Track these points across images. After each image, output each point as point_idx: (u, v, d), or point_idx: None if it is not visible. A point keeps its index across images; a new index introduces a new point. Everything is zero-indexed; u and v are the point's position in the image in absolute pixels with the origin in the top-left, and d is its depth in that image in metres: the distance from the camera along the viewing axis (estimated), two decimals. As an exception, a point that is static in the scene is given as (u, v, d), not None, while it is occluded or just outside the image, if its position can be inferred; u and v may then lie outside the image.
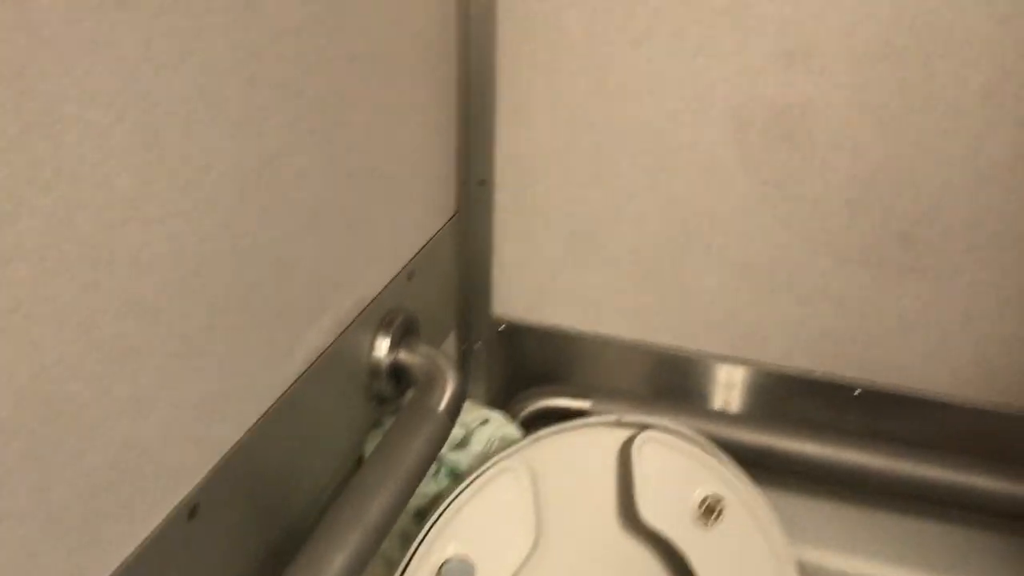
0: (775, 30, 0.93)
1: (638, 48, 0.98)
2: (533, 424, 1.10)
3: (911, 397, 1.04)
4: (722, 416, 1.07)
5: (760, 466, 1.04)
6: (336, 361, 0.82)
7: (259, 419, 0.71)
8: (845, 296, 1.02)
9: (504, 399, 1.17)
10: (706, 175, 1.01)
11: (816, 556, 1.01)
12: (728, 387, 1.11)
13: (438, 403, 0.85)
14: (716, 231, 1.03)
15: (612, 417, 0.93)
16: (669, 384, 1.14)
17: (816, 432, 1.01)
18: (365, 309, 0.87)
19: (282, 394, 0.74)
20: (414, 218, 0.99)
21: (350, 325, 0.84)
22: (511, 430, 0.98)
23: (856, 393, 1.05)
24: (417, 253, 1.00)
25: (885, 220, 0.98)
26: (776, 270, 1.03)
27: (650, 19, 0.97)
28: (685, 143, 1.01)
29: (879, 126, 0.94)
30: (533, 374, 1.18)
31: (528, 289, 1.14)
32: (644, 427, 0.92)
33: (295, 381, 0.76)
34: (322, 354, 0.79)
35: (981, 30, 0.87)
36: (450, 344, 1.19)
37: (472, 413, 0.99)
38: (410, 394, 0.90)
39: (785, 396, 1.09)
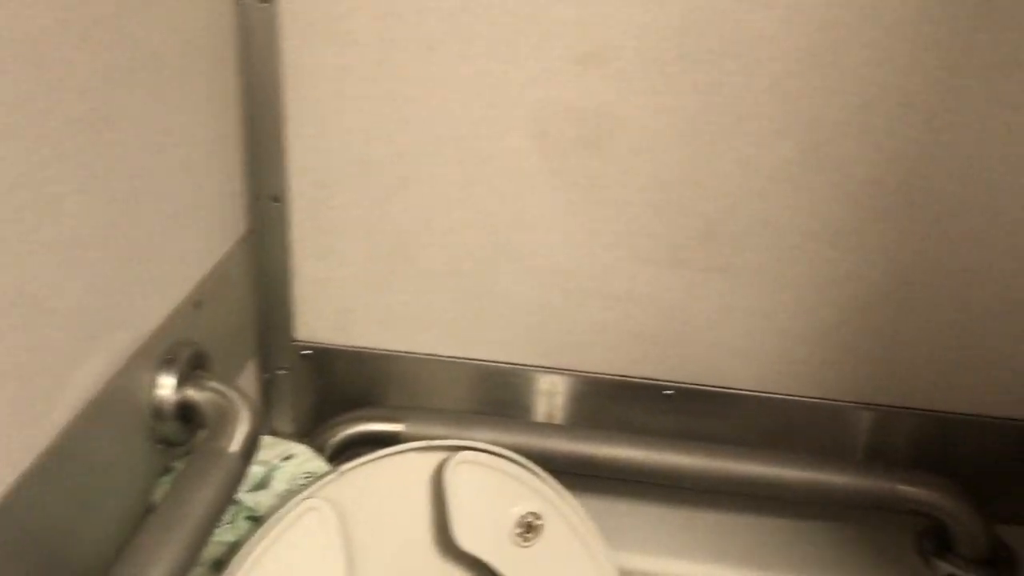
0: (571, 34, 0.92)
1: (433, 53, 0.94)
2: (346, 453, 1.03)
3: (721, 394, 1.06)
4: (542, 427, 1.05)
5: (583, 475, 1.03)
6: (111, 405, 0.73)
7: (17, 480, 0.61)
8: (653, 298, 1.02)
9: (314, 429, 1.09)
10: (512, 183, 0.99)
11: (640, 561, 1.00)
12: (548, 397, 1.09)
13: (230, 443, 0.77)
14: (525, 240, 1.01)
15: (422, 442, 0.88)
16: (489, 399, 1.10)
17: (633, 437, 1.01)
18: (144, 345, 0.78)
19: (45, 449, 0.64)
20: (199, 241, 0.90)
21: (126, 364, 0.75)
22: (318, 464, 0.91)
23: (669, 394, 1.05)
24: (204, 279, 0.91)
25: (687, 221, 0.98)
26: (586, 276, 1.02)
27: (443, 23, 0.93)
28: (488, 151, 0.97)
29: (676, 128, 0.95)
30: (345, 399, 1.12)
31: (333, 310, 1.08)
32: (457, 449, 0.87)
33: (60, 432, 0.66)
34: (93, 399, 0.70)
35: (768, 31, 0.89)
36: (251, 374, 1.10)
37: (274, 449, 0.91)
38: (202, 435, 0.82)
39: (604, 402, 1.08)
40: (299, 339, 1.11)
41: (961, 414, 1.04)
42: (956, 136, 0.91)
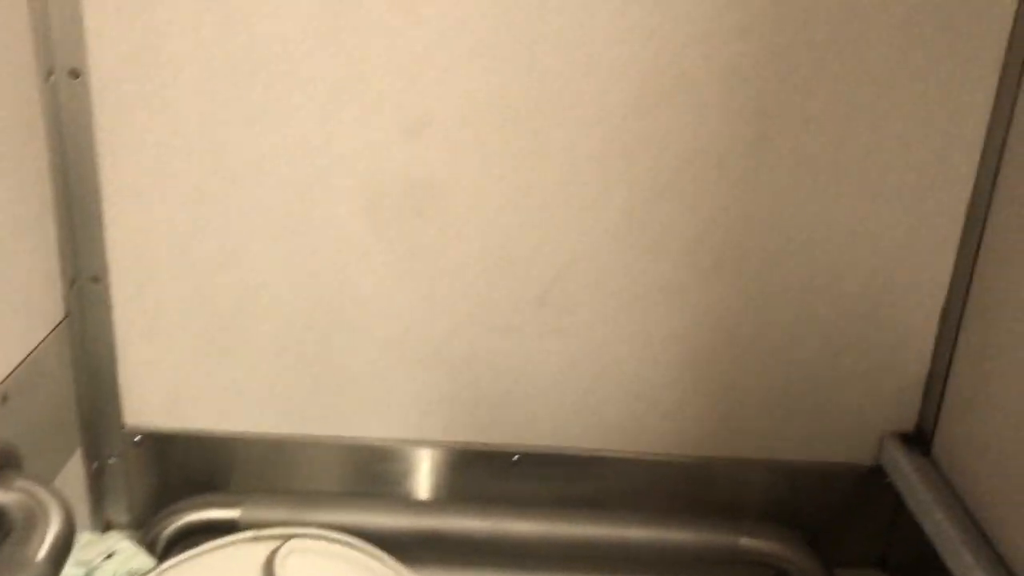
0: (397, 104, 0.92)
1: (255, 124, 0.92)
2: (184, 542, 0.98)
3: (568, 457, 1.05)
4: (386, 503, 1.02)
5: (431, 549, 1.00)
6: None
7: None
8: (492, 363, 1.02)
9: (152, 518, 1.03)
10: (343, 253, 0.97)
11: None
12: (394, 470, 1.06)
13: (37, 549, 0.72)
14: (360, 310, 0.99)
15: (251, 532, 0.84)
16: (333, 476, 1.06)
17: (478, 507, 0.99)
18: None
19: None
20: (7, 330, 0.85)
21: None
22: (142, 561, 0.85)
23: (516, 459, 1.04)
24: (14, 370, 0.86)
25: (522, 285, 0.99)
26: (423, 345, 1.01)
27: (265, 94, 0.91)
28: (318, 221, 0.96)
29: (505, 194, 0.95)
30: (188, 485, 1.06)
31: (163, 392, 1.03)
32: (288, 537, 0.84)
33: None
34: None
35: (589, 97, 0.91)
36: (78, 465, 1.03)
37: (95, 547, 0.86)
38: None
39: (454, 472, 1.06)
40: (129, 425, 1.05)
41: (802, 462, 1.07)
42: (769, 195, 0.95)
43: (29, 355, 0.89)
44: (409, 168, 0.95)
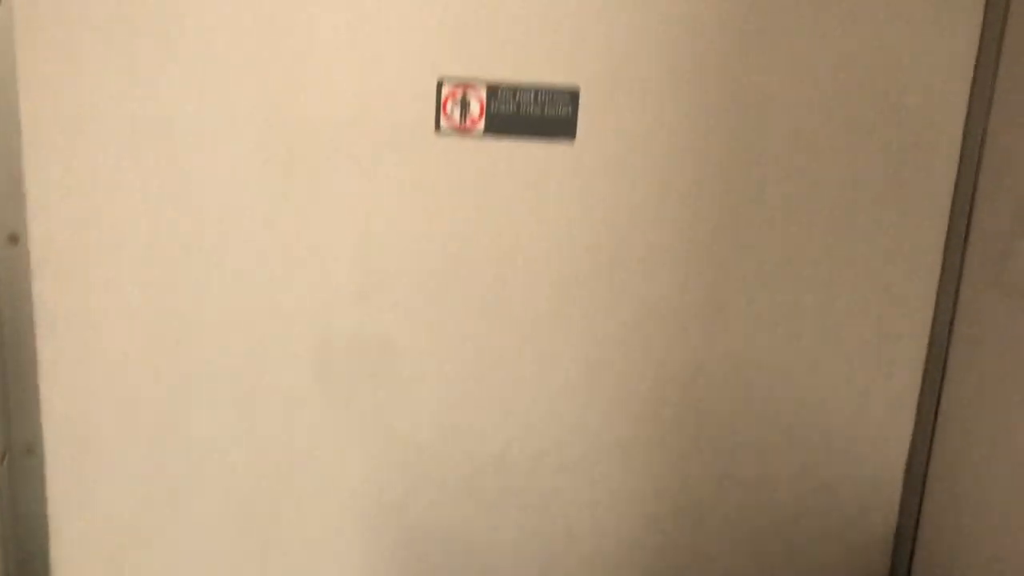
0: (349, 263, 0.90)
1: (201, 289, 0.90)
2: None
3: (530, 625, 1.00)
4: None
5: None
6: None
7: None
8: (449, 532, 0.97)
9: None
10: (292, 418, 0.93)
11: None
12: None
13: None
14: (310, 477, 0.94)
15: None
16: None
17: None
18: None
19: None
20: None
21: None
22: None
23: (476, 630, 0.98)
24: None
25: (480, 446, 0.95)
26: (376, 512, 0.96)
27: (211, 258, 0.89)
28: (266, 385, 0.92)
29: (460, 354, 0.93)
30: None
31: (101, 567, 0.96)
32: None
33: None
34: None
35: (542, 255, 0.90)
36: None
37: None
38: None
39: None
40: (62, 605, 0.98)
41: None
42: (727, 354, 0.94)
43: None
44: (361, 329, 0.92)
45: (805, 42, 0.88)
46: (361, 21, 0.87)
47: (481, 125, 0.90)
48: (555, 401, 0.94)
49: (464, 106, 0.90)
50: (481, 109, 0.90)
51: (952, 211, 0.92)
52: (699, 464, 0.96)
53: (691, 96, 0.89)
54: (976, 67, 0.90)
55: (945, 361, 0.94)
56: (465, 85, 0.89)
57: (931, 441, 0.96)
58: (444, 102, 0.89)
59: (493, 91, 0.90)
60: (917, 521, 0.97)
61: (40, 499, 0.95)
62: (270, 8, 0.85)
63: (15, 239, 0.89)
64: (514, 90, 0.90)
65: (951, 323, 0.93)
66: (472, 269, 0.91)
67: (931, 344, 0.94)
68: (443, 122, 0.90)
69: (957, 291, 0.93)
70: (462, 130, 0.90)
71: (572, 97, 0.90)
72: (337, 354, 0.92)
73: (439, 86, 0.89)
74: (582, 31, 0.88)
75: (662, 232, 0.91)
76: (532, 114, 0.90)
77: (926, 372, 0.95)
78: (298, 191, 0.89)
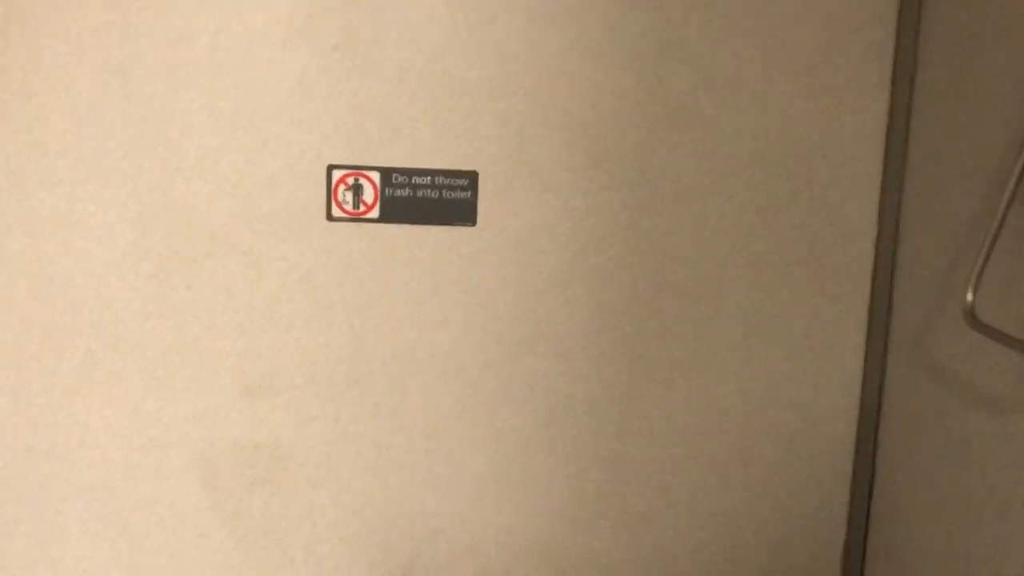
0: (235, 365, 0.84)
1: (74, 397, 0.82)
2: None
3: None
4: None
5: None
6: None
7: None
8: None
9: None
10: (176, 534, 0.85)
11: None
12: None
13: None
14: (196, 599, 0.86)
15: None
16: None
17: None
18: None
19: None
20: None
21: None
22: None
23: None
24: None
25: (387, 556, 0.88)
26: (271, 636, 0.88)
27: (81, 366, 0.82)
28: (147, 498, 0.85)
29: (360, 456, 0.86)
30: None
31: None
32: None
33: None
34: None
35: (446, 346, 0.85)
36: None
37: None
38: None
39: None
40: None
41: None
42: (643, 441, 0.88)
43: None
44: (250, 433, 0.85)
45: (712, 121, 0.85)
46: (243, 105, 0.82)
47: (376, 211, 0.85)
48: (466, 503, 0.87)
49: (357, 192, 0.85)
50: (375, 194, 0.85)
51: (872, 290, 0.89)
52: (616, 560, 0.89)
53: (596, 178, 0.85)
54: (887, 140, 0.88)
55: (875, 443, 0.90)
56: (357, 171, 0.84)
57: (865, 532, 0.90)
58: (335, 188, 0.84)
59: (387, 175, 0.85)
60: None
61: None
62: (144, 91, 0.81)
63: None
64: (409, 174, 0.85)
65: (879, 405, 0.89)
66: (369, 365, 0.85)
67: (860, 427, 0.90)
68: (335, 209, 0.85)
69: (883, 372, 0.89)
70: (355, 217, 0.85)
71: (471, 180, 0.86)
72: (224, 460, 0.85)
73: (329, 171, 0.84)
74: (479, 112, 0.84)
75: (571, 319, 0.86)
76: (430, 198, 0.86)
77: (857, 456, 0.90)
78: (176, 286, 0.83)
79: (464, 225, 0.86)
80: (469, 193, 0.86)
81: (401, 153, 0.84)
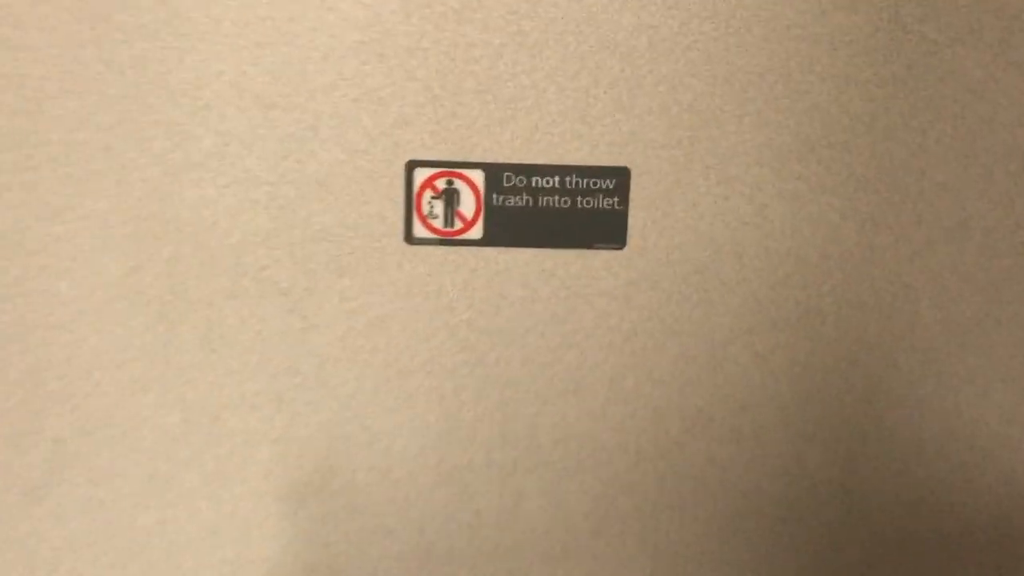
0: (270, 456, 0.56)
1: (37, 509, 0.55)
2: None
3: None
4: None
5: None
6: None
7: None
8: None
9: None
10: None
11: None
12: None
13: None
14: None
15: None
16: None
17: None
18: None
19: None
20: None
21: None
22: None
23: None
24: None
25: None
26: None
27: (47, 464, 0.55)
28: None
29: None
30: None
31: None
32: None
33: None
34: None
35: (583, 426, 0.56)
36: None
37: None
38: None
39: None
40: None
41: None
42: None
43: None
44: (292, 554, 0.58)
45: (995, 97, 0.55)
46: (280, 71, 0.53)
47: (478, 228, 0.57)
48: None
49: (451, 200, 0.56)
50: (477, 204, 0.56)
51: None
52: None
53: (808, 174, 0.56)
54: None
55: None
56: (451, 170, 0.56)
57: None
58: (419, 195, 0.56)
59: (496, 176, 0.56)
60: None
61: None
62: (132, 49, 0.52)
63: None
64: (528, 173, 0.56)
65: None
66: (468, 452, 0.57)
67: None
68: (417, 226, 0.56)
69: None
70: (448, 238, 0.56)
71: (620, 181, 0.57)
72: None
73: (409, 170, 0.55)
74: (634, 80, 0.55)
75: (768, 386, 0.57)
76: (558, 208, 0.57)
77: None
78: (183, 340, 0.55)
79: (609, 247, 0.58)
80: (616, 200, 0.57)
81: (516, 144, 0.56)
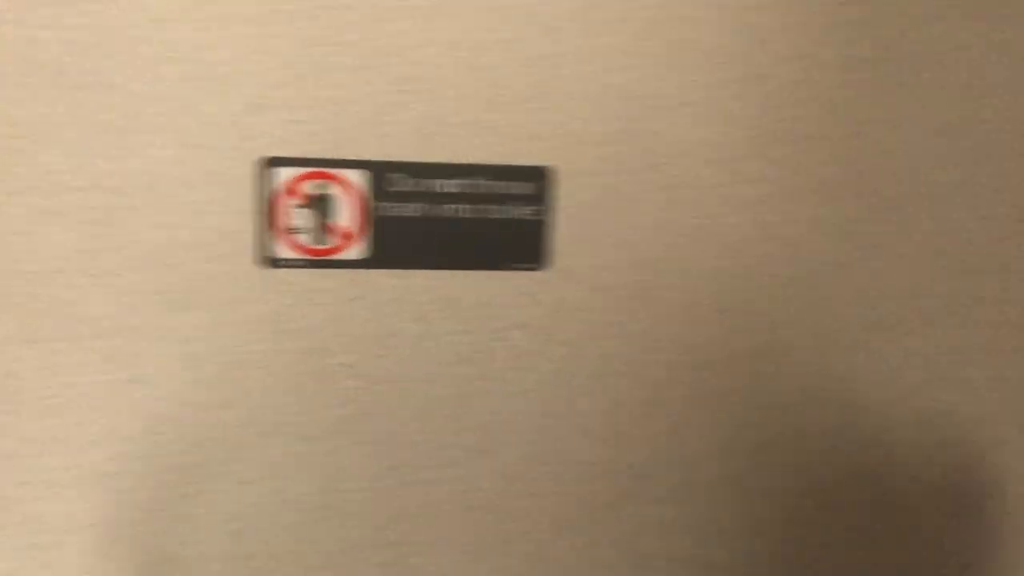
0: (84, 546, 0.41)
1: None
2: None
3: None
4: None
5: None
6: None
7: None
8: None
9: None
10: None
11: None
12: None
13: None
14: None
15: None
16: None
17: None
18: None
19: None
20: None
21: None
22: None
23: None
24: None
25: None
26: None
27: None
28: None
29: None
30: None
31: None
32: None
33: None
34: None
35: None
36: None
37: None
38: None
39: None
40: None
41: None
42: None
43: None
44: None
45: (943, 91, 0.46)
46: (91, 42, 0.39)
47: (360, 246, 0.44)
48: None
49: (322, 208, 0.43)
50: (360, 214, 0.43)
51: None
52: None
53: (751, 171, 0.45)
54: None
55: None
56: (322, 171, 0.43)
57: None
58: (275, 202, 0.43)
59: (381, 176, 0.43)
60: None
61: None
62: None
63: None
64: (423, 174, 0.44)
65: None
66: (341, 551, 0.44)
67: None
68: (278, 245, 0.43)
69: None
70: (320, 258, 0.43)
71: (539, 184, 0.45)
72: None
73: (265, 170, 0.42)
74: (554, 64, 0.43)
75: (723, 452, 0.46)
76: (463, 219, 0.45)
77: None
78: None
79: (527, 268, 0.46)
80: (535, 208, 0.45)
81: (408, 138, 0.43)
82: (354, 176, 0.43)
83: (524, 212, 0.46)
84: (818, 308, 0.49)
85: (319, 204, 0.44)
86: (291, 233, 0.43)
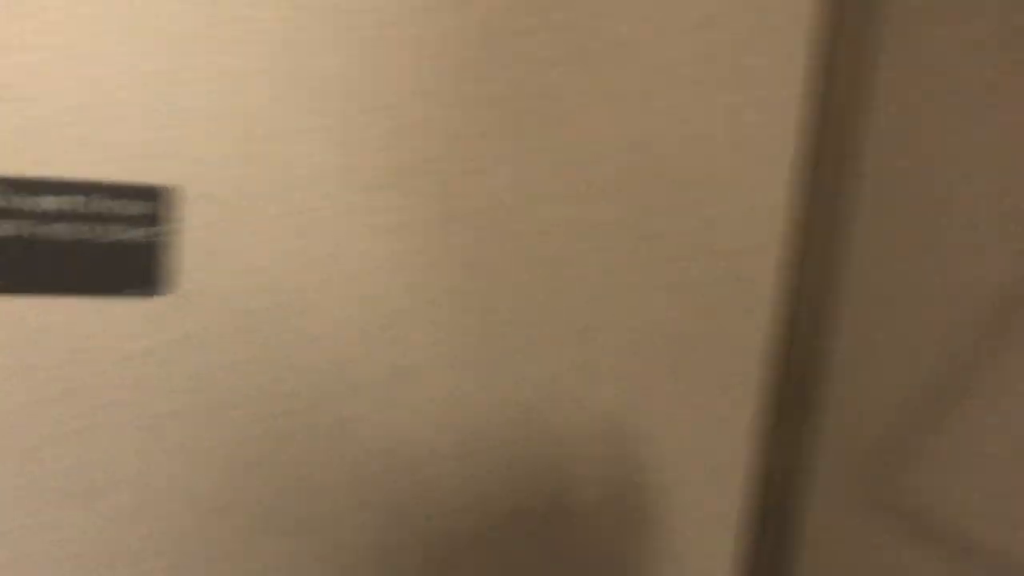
0: None
1: None
2: None
3: None
4: None
5: None
6: None
7: None
8: None
9: None
10: None
11: None
12: None
13: None
14: None
15: None
16: None
17: None
18: None
19: None
20: None
21: None
22: None
23: None
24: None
25: None
26: None
27: None
28: None
29: None
30: None
31: None
32: None
33: None
34: None
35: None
36: None
37: None
38: None
39: None
40: None
41: None
42: None
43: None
44: None
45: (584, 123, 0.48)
46: None
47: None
48: None
49: None
50: (-67, 232, 0.39)
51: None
52: None
53: (394, 202, 0.46)
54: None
55: None
56: None
57: None
58: None
59: (-36, 192, 0.39)
60: None
61: None
62: None
63: None
64: (16, 189, 0.40)
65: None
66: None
67: None
68: None
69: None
70: None
71: (153, 204, 0.42)
72: None
73: None
74: (178, 78, 0.41)
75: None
76: (65, 240, 0.41)
77: None
78: None
79: (141, 294, 0.43)
80: (151, 230, 0.43)
81: (2, 148, 0.39)
82: (-72, 189, 0.39)
83: (139, 234, 0.43)
84: (445, 332, 0.49)
85: None
86: None
